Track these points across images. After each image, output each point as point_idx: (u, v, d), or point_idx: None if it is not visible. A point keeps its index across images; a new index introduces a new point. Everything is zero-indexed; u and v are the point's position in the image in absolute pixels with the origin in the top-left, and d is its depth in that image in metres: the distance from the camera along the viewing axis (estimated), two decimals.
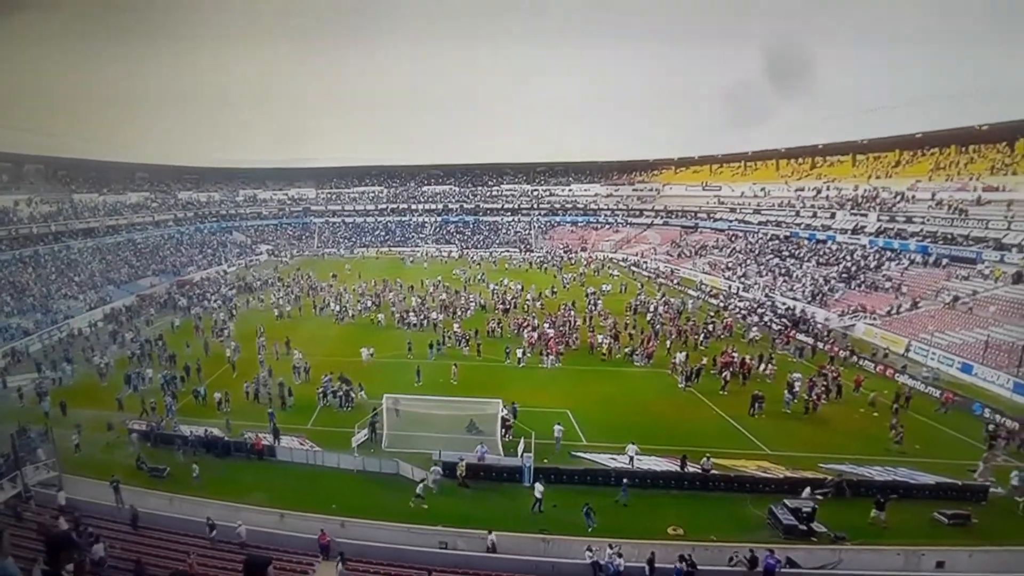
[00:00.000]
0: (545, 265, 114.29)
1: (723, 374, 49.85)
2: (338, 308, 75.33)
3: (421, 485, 32.57)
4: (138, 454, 37.72)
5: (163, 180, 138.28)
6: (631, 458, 36.55)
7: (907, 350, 55.63)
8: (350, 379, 47.38)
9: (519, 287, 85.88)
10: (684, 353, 54.87)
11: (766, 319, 68.97)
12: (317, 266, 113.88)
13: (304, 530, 28.09)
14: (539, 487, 31.70)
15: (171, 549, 26.08)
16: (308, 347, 58.06)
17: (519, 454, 35.45)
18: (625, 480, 32.55)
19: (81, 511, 28.92)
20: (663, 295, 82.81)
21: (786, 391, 45.90)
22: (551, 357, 56.03)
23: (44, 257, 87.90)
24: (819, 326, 65.10)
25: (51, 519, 27.61)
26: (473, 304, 76.73)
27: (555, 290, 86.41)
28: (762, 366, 52.29)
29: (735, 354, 54.24)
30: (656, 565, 24.80)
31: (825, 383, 47.49)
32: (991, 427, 40.18)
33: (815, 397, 44.93)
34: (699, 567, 24.56)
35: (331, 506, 31.25)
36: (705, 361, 52.69)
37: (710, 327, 65.33)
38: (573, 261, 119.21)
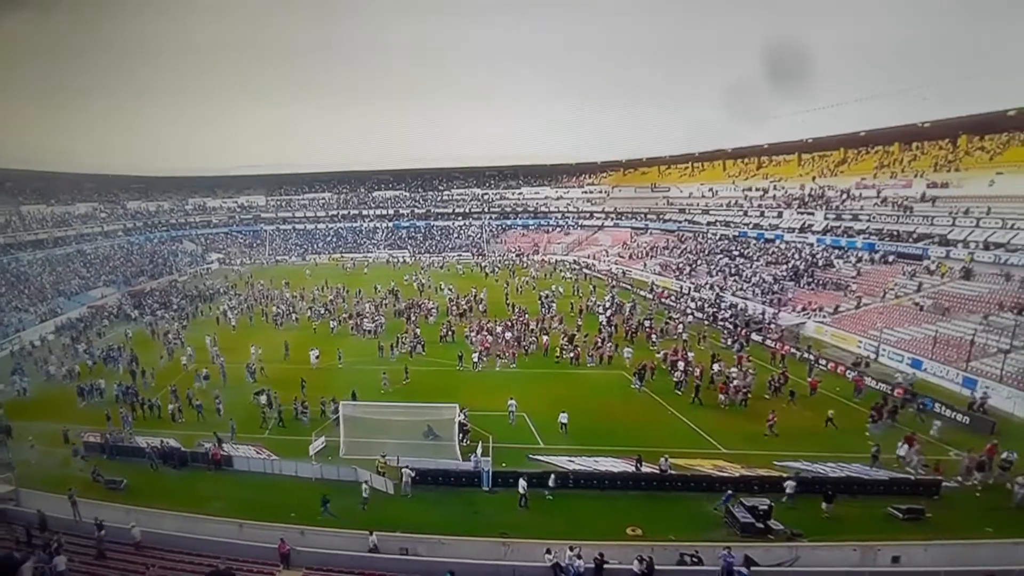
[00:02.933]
0: (497, 268, 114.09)
1: (674, 373, 50.30)
2: (280, 312, 75.77)
3: (522, 486, 32.26)
4: (94, 467, 36.99)
5: (110, 190, 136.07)
6: (563, 425, 41.07)
7: (877, 355, 55.54)
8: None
9: (473, 292, 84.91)
10: (630, 349, 56.54)
11: (718, 318, 69.81)
12: (269, 274, 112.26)
13: (264, 539, 27.70)
14: (523, 483, 32.06)
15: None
16: (262, 354, 57.72)
17: (477, 458, 35.43)
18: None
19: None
20: (612, 296, 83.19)
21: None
22: (504, 360, 56.87)
23: None
24: (771, 325, 65.63)
25: None
26: (435, 309, 76.39)
27: (508, 294, 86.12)
28: (714, 365, 52.58)
29: (691, 353, 54.95)
30: (607, 565, 24.90)
31: (775, 382, 48.14)
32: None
33: (743, 391, 46.44)
34: (657, 567, 24.65)
35: (290, 515, 30.74)
36: (646, 361, 52.82)
37: (647, 323, 66.72)
38: (525, 264, 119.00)
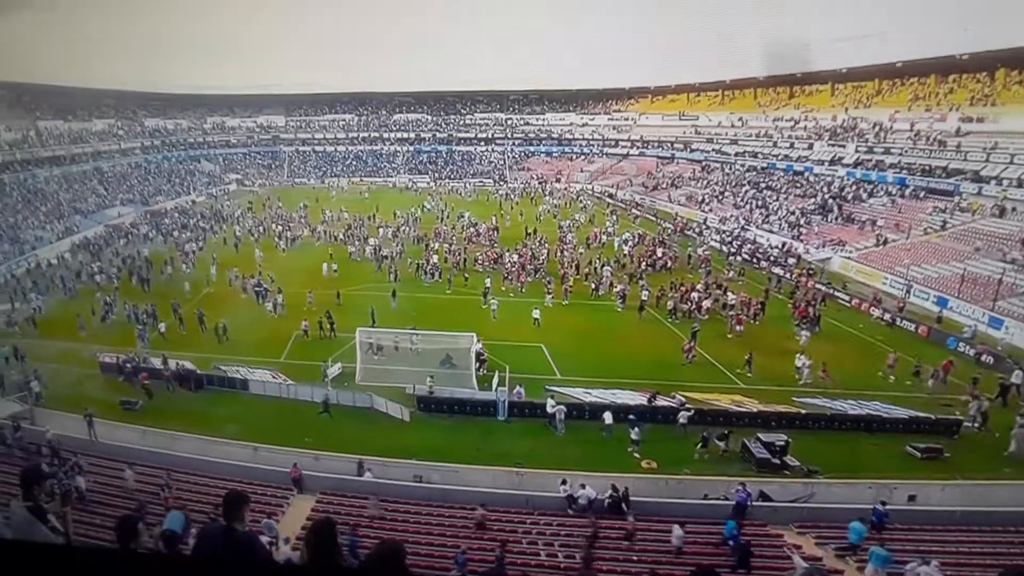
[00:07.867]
0: (517, 196, 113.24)
1: (686, 305, 50.20)
2: (288, 233, 77.23)
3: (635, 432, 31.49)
4: (143, 385, 36.99)
5: (129, 107, 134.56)
6: (535, 320, 46.40)
7: (908, 291, 53.28)
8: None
9: (494, 219, 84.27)
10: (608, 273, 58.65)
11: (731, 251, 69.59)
12: (287, 196, 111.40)
13: (279, 463, 27.88)
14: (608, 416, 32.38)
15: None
16: (280, 277, 57.64)
17: (493, 388, 35.27)
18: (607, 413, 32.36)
19: None
20: (611, 224, 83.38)
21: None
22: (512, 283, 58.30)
23: (9, 186, 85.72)
24: (793, 258, 64.87)
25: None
26: (454, 237, 76.06)
27: (525, 225, 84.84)
28: (731, 296, 52.15)
29: (698, 286, 55.09)
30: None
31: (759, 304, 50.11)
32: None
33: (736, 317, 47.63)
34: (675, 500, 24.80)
35: (304, 440, 30.94)
36: (647, 293, 52.65)
37: (661, 252, 66.88)
38: (547, 192, 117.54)
